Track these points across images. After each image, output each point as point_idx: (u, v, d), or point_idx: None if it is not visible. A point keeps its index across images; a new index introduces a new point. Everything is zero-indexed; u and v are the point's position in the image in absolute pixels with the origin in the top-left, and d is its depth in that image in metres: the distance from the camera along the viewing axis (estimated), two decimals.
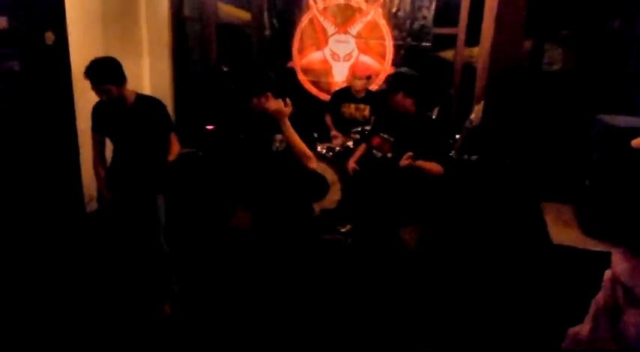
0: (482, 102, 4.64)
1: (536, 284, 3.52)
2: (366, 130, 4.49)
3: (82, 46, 4.33)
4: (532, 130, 4.36)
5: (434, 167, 3.30)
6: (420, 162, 3.26)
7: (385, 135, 3.48)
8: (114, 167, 3.43)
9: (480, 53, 5.24)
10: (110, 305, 3.48)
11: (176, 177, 3.53)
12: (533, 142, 4.39)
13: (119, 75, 3.14)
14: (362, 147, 3.91)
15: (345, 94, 5.03)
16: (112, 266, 3.67)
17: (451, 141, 3.32)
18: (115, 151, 3.43)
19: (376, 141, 3.53)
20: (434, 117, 4.35)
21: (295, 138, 2.96)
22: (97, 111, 3.34)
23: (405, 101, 3.36)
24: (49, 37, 4.18)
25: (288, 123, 2.95)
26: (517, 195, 4.17)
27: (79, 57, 4.27)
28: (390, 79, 3.41)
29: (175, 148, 3.38)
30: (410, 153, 3.23)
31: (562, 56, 5.00)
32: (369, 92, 5.01)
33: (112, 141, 3.40)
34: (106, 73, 3.09)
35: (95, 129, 3.37)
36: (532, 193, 4.15)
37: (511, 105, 4.15)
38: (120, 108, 3.23)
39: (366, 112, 4.94)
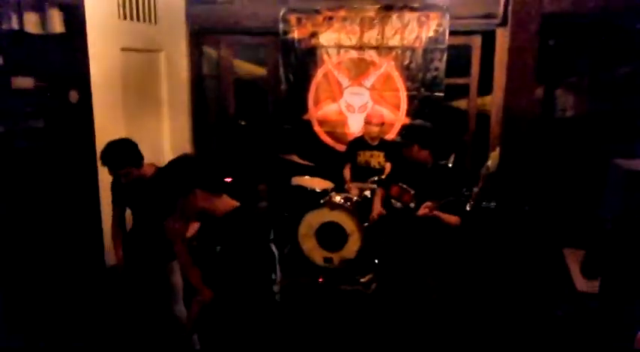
0: (497, 149, 4.68)
1: (561, 333, 3.44)
2: (382, 179, 4.53)
3: (105, 104, 4.48)
4: (549, 176, 4.36)
5: (451, 218, 3.32)
6: (438, 213, 3.28)
7: (404, 186, 3.50)
8: (132, 234, 3.46)
9: (493, 102, 5.32)
10: None
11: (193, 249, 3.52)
12: (550, 188, 4.38)
13: (136, 156, 3.15)
14: (380, 193, 3.93)
15: (360, 143, 5.11)
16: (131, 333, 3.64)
17: (467, 192, 3.32)
18: (133, 219, 3.47)
19: (395, 190, 3.55)
20: (450, 164, 4.38)
21: (187, 270, 2.46)
22: (115, 184, 3.37)
23: (420, 153, 3.40)
24: (74, 95, 4.32)
25: (180, 249, 2.51)
26: (537, 241, 4.13)
27: (102, 114, 4.41)
28: (404, 132, 3.46)
29: (194, 224, 3.39)
30: (428, 203, 3.25)
31: (574, 102, 5.05)
32: (382, 140, 5.08)
33: (131, 211, 3.43)
34: (123, 156, 3.09)
35: (115, 202, 3.42)
36: (553, 240, 4.11)
37: (527, 152, 4.17)
38: (138, 182, 3.23)
39: (381, 159, 5.00)
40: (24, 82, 4.57)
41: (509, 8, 4.21)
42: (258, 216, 2.28)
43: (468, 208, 3.47)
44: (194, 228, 3.38)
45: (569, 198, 4.42)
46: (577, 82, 5.09)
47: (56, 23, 4.10)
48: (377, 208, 3.84)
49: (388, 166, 4.91)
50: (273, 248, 2.24)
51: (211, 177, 2.23)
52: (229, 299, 2.19)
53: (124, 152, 3.11)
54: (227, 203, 2.24)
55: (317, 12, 5.59)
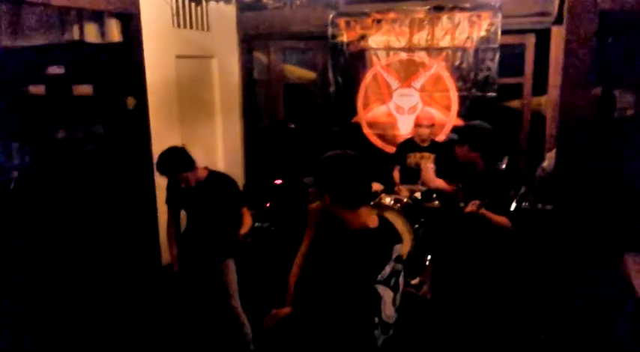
0: (554, 150, 4.55)
1: (621, 340, 3.31)
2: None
3: (160, 109, 4.61)
4: (607, 178, 4.21)
5: (501, 219, 3.23)
6: (485, 211, 3.20)
7: (460, 185, 3.46)
8: (186, 234, 3.58)
9: (548, 102, 5.18)
10: None
11: (247, 246, 3.59)
12: (609, 190, 4.23)
13: (188, 161, 3.27)
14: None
15: (410, 145, 5.05)
16: (189, 331, 3.71)
17: (516, 192, 3.21)
18: (187, 220, 3.59)
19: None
20: (504, 166, 4.28)
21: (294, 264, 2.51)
22: (171, 187, 3.50)
23: (469, 154, 3.34)
24: (130, 101, 4.47)
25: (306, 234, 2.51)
26: (596, 245, 3.99)
27: (157, 120, 4.55)
28: (460, 130, 3.41)
29: (247, 222, 3.48)
30: (476, 201, 3.19)
31: (634, 101, 4.85)
32: (433, 141, 5.01)
33: (185, 212, 3.57)
34: (176, 163, 3.23)
35: (170, 204, 3.55)
36: (612, 244, 3.97)
37: (584, 153, 4.04)
38: (192, 185, 3.36)
39: (432, 161, 4.94)
40: (84, 90, 4.78)
41: (565, 6, 4.09)
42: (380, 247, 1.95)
43: (512, 208, 3.37)
44: (247, 225, 3.45)
45: (630, 200, 4.25)
46: (637, 81, 4.90)
47: (114, 32, 4.25)
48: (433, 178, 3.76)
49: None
50: (381, 289, 1.95)
51: (347, 190, 1.99)
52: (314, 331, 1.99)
53: (177, 159, 3.24)
54: (362, 220, 2.01)
55: (366, 15, 5.60)
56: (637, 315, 3.30)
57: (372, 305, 1.93)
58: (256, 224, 5.10)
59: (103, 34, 4.25)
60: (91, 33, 4.22)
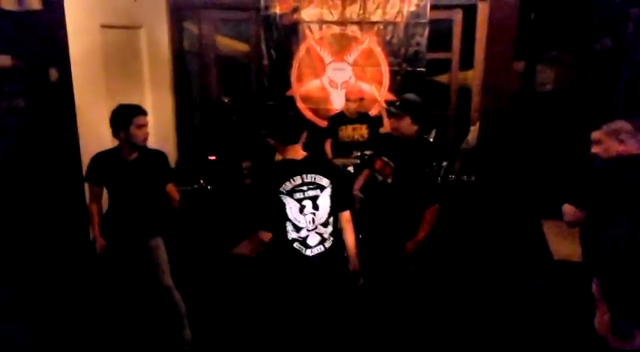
0: (477, 124, 4.73)
1: (540, 301, 3.53)
2: (366, 155, 4.55)
3: (85, 83, 4.43)
4: (529, 149, 4.42)
5: (431, 218, 3.30)
6: (419, 238, 3.28)
7: (386, 159, 3.51)
8: (111, 212, 3.46)
9: (474, 76, 5.36)
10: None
11: (178, 217, 3.56)
12: (530, 161, 4.45)
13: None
14: (365, 173, 3.89)
15: (341, 118, 5.11)
16: (120, 312, 3.63)
17: (444, 164, 3.29)
18: (111, 199, 3.46)
19: (378, 164, 3.57)
20: (431, 139, 4.40)
21: None
22: (96, 162, 3.36)
23: (410, 127, 3.38)
24: (53, 74, 4.27)
25: None
26: (516, 213, 4.21)
27: (82, 93, 4.37)
28: (399, 104, 3.42)
29: (175, 195, 3.45)
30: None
31: (554, 76, 5.10)
32: (362, 113, 5.10)
33: (109, 190, 3.42)
34: (134, 106, 3.28)
35: (93, 180, 3.40)
36: (532, 211, 4.20)
37: (506, 126, 4.22)
38: (122, 160, 3.29)
39: (363, 131, 5.02)
40: (2, 61, 4.51)
41: None
42: None
43: (451, 178, 3.46)
44: (176, 196, 3.40)
45: (549, 170, 4.50)
46: (557, 56, 5.14)
47: None
48: (354, 193, 3.78)
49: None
50: (285, 198, 2.71)
51: (278, 132, 2.85)
52: None
53: (132, 105, 3.31)
54: (288, 154, 2.82)
55: None
56: (553, 274, 3.53)
57: (278, 207, 2.72)
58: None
59: (20, 0, 4.02)
60: None
